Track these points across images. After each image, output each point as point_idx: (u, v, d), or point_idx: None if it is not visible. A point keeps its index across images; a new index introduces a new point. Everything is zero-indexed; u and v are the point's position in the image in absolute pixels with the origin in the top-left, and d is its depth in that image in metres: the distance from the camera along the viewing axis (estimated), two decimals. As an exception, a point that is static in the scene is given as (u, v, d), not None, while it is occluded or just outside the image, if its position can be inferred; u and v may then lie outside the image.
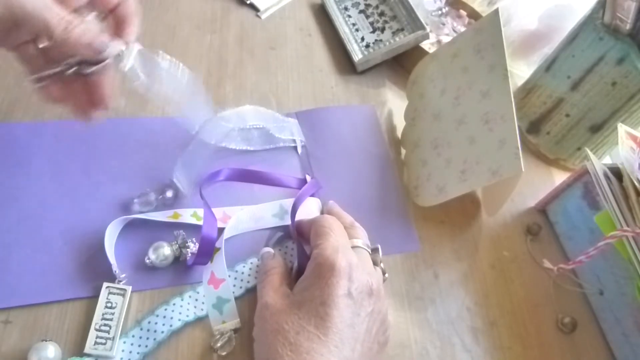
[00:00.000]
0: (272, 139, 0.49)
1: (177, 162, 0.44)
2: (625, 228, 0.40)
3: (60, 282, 0.38)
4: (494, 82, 0.45)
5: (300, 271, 0.38)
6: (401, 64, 0.61)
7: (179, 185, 0.43)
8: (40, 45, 0.32)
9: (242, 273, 0.41)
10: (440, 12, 0.64)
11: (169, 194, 0.43)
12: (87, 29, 0.33)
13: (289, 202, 0.45)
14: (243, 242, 0.43)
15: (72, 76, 0.34)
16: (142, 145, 0.46)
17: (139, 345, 0.36)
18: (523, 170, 0.40)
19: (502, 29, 0.46)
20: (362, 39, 0.60)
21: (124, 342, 0.36)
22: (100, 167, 0.44)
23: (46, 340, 0.34)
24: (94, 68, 0.34)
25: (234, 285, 0.40)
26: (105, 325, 0.36)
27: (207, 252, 0.40)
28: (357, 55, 0.58)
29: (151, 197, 0.43)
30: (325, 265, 0.35)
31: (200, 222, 0.42)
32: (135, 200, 0.42)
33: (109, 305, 0.37)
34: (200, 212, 0.43)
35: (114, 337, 0.35)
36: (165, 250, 0.39)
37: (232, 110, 0.46)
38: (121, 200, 0.42)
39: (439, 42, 0.62)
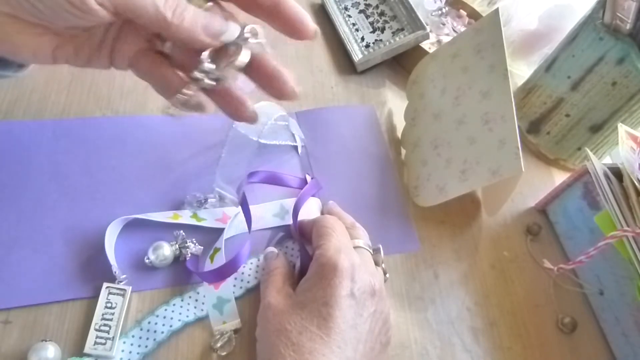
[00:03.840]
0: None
1: (216, 169, 0.43)
2: (625, 228, 0.40)
3: (60, 282, 0.37)
4: (494, 82, 0.45)
5: (302, 271, 0.38)
6: (401, 64, 0.61)
7: (224, 193, 0.43)
8: (166, 46, 0.32)
9: (243, 273, 0.41)
10: (440, 12, 0.64)
11: (213, 199, 0.43)
12: (197, 11, 0.30)
13: (289, 202, 0.45)
14: (243, 242, 0.42)
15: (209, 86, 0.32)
16: (143, 144, 0.46)
17: (139, 346, 0.36)
18: (523, 170, 0.40)
19: (502, 29, 0.46)
20: (362, 38, 0.60)
21: (124, 342, 0.36)
22: (101, 166, 0.43)
23: (46, 341, 0.34)
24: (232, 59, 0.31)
25: (234, 286, 0.40)
26: (105, 325, 0.36)
27: (225, 273, 0.39)
28: (357, 55, 0.58)
29: (198, 199, 0.43)
30: (328, 265, 0.35)
31: (200, 223, 0.42)
32: (185, 202, 0.43)
33: (108, 305, 0.37)
34: (201, 213, 0.43)
35: (113, 337, 0.35)
36: (165, 251, 0.39)
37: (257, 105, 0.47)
38: (121, 199, 0.42)
39: (439, 42, 0.62)
